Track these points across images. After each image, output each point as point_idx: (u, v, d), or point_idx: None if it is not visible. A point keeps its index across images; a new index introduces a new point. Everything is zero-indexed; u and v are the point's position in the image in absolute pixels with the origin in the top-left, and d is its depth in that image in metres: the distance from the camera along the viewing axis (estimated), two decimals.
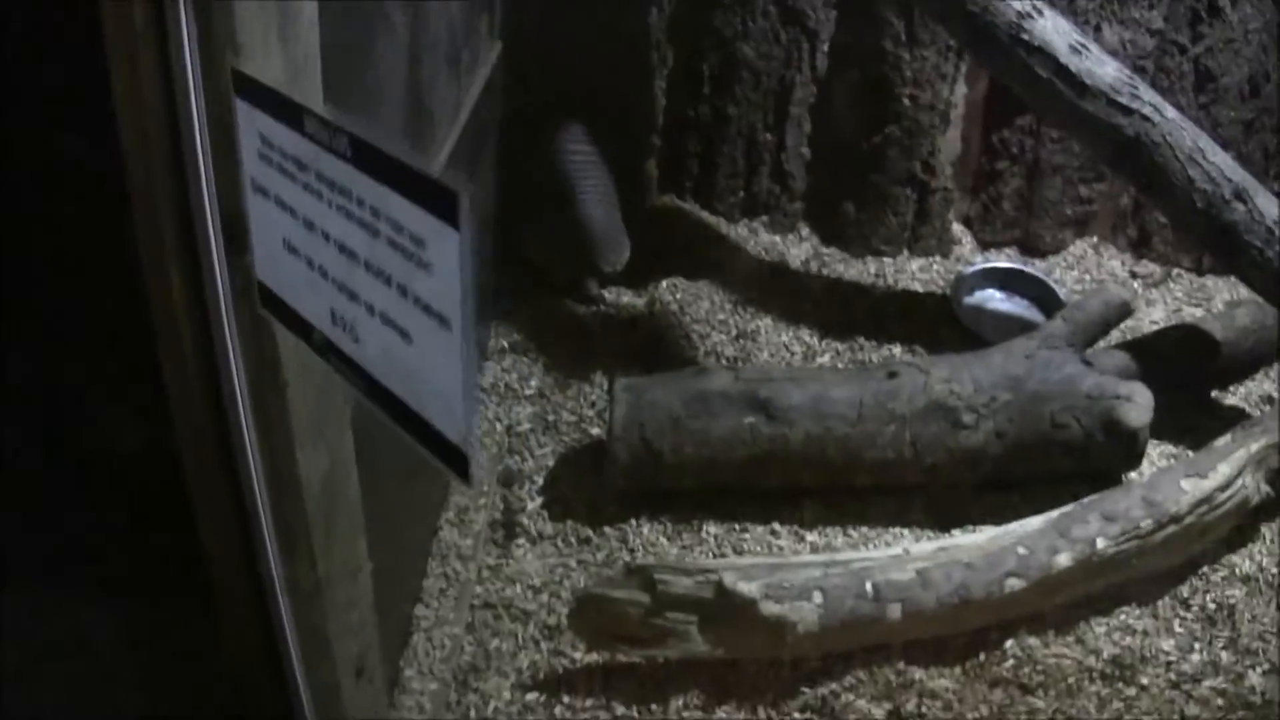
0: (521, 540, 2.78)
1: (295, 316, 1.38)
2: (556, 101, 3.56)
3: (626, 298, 3.56)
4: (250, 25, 1.34)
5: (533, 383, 3.22)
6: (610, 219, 3.50)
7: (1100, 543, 2.58)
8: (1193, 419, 3.20)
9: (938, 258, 3.85)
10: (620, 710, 2.41)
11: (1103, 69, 2.89)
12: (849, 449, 2.82)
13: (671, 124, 3.83)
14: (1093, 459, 2.92)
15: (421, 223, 1.10)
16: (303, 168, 1.24)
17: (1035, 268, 3.80)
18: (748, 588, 2.36)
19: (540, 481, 2.95)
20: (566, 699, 2.42)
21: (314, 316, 1.34)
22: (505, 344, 3.37)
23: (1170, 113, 2.93)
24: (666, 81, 3.77)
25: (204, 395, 1.61)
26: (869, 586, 2.43)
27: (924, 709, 2.44)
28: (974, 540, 2.59)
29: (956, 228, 3.94)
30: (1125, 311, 3.18)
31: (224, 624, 1.82)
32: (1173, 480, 2.74)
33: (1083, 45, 2.90)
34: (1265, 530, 2.94)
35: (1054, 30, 2.89)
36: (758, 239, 3.84)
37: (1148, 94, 2.93)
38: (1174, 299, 3.79)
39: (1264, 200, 2.95)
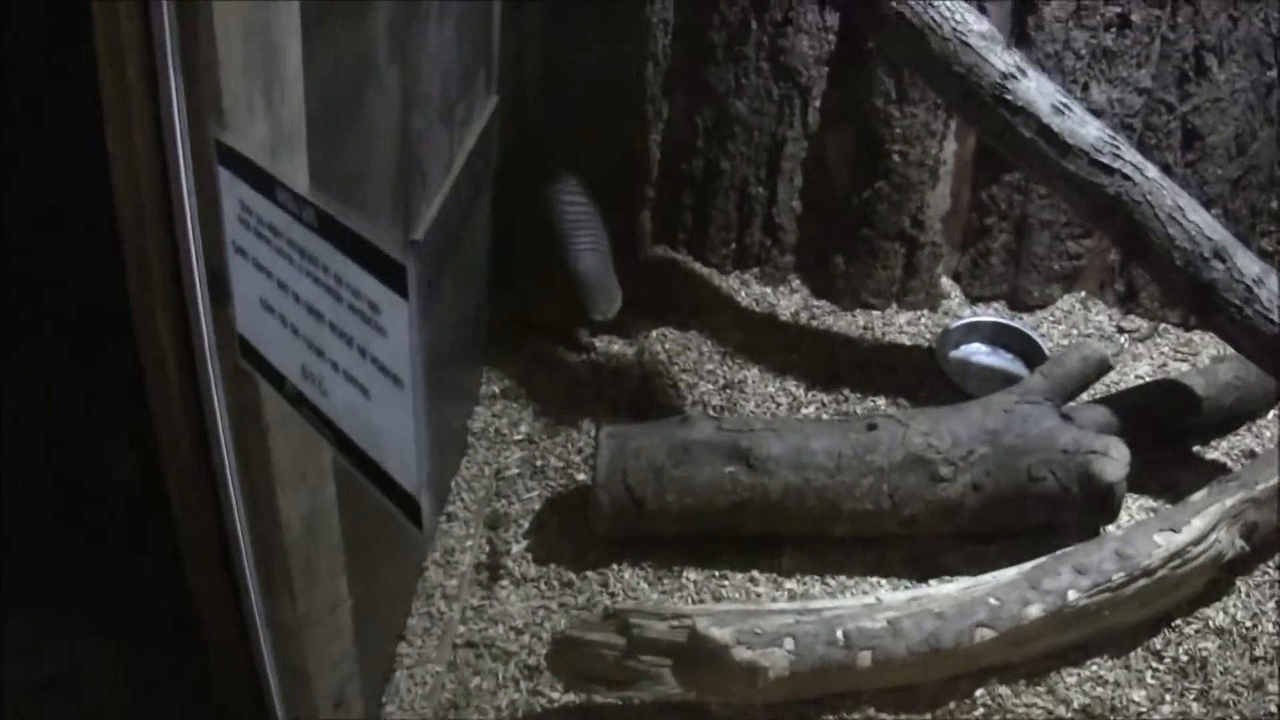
0: (505, 582, 2.85)
1: (271, 369, 1.48)
2: (552, 153, 3.64)
3: (617, 346, 3.63)
4: (235, 90, 1.44)
5: (522, 428, 3.29)
6: (603, 269, 3.57)
7: (1071, 595, 2.65)
8: (1173, 474, 3.25)
9: (926, 311, 3.92)
10: None
11: (1085, 129, 2.97)
12: (828, 499, 2.90)
13: (666, 177, 3.90)
14: (1069, 512, 2.98)
15: (376, 291, 1.21)
16: (276, 234, 1.35)
17: (1021, 322, 3.87)
18: (720, 633, 2.43)
19: (526, 525, 3.02)
20: None
21: (287, 370, 1.44)
22: (496, 389, 3.45)
23: (1151, 172, 3.01)
24: (661, 135, 3.85)
25: (190, 438, 1.70)
26: (840, 634, 2.50)
27: None
28: (946, 590, 2.66)
29: (945, 282, 4.01)
30: (1104, 367, 3.26)
31: (208, 658, 1.90)
32: (1146, 534, 2.81)
33: (1066, 105, 2.97)
34: (1239, 584, 3.01)
35: (1038, 91, 2.96)
36: (749, 290, 3.91)
37: (1129, 154, 3.00)
38: (1160, 354, 3.85)
39: (1243, 259, 3.03)
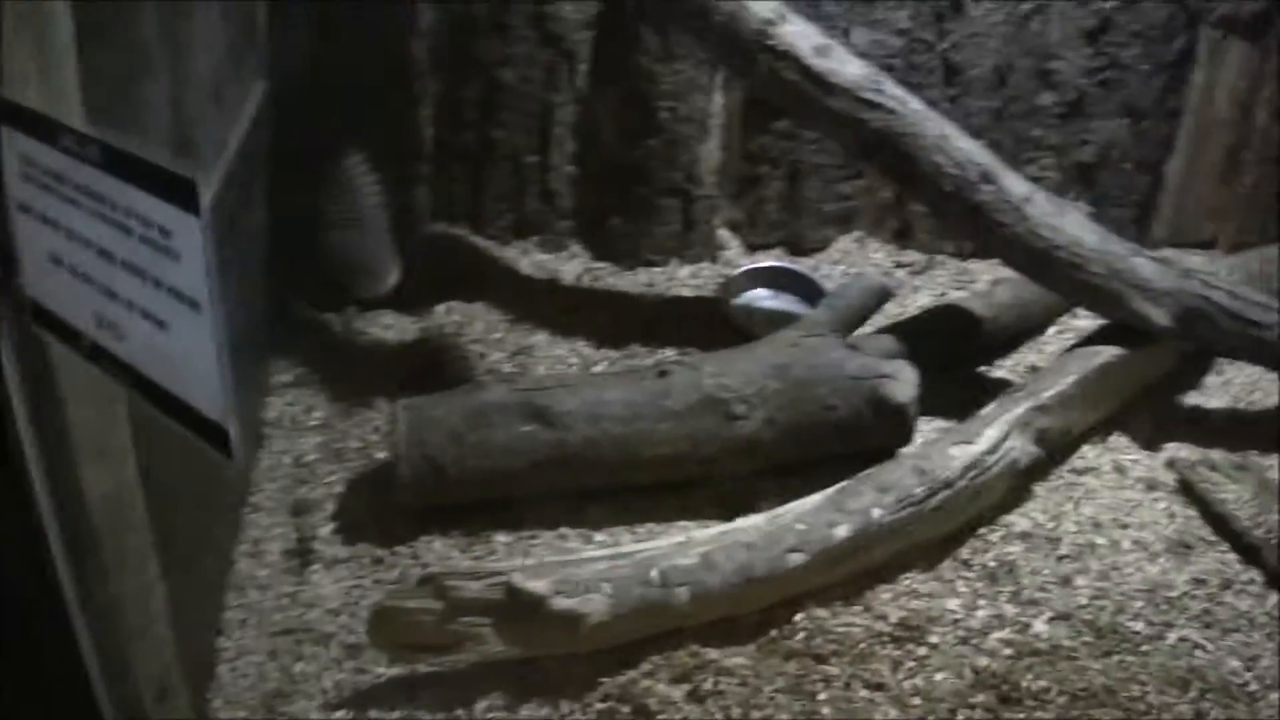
0: (317, 566, 2.83)
1: (65, 327, 1.46)
2: (324, 134, 3.62)
3: (405, 323, 3.63)
4: (9, 53, 1.42)
5: (317, 413, 3.27)
6: (372, 246, 3.59)
7: (876, 512, 2.71)
8: (962, 394, 3.34)
9: (706, 263, 3.99)
10: (427, 718, 2.47)
11: (847, 68, 3.04)
12: (627, 448, 2.93)
13: (440, 152, 3.90)
14: (865, 438, 3.06)
15: (165, 214, 1.20)
16: (61, 180, 1.34)
17: (802, 265, 3.95)
18: (536, 585, 2.44)
19: (331, 508, 3.01)
20: (374, 713, 2.47)
21: (81, 323, 1.43)
22: (287, 378, 3.43)
23: (915, 104, 3.09)
24: (433, 110, 3.85)
25: None
26: (655, 574, 2.53)
27: (722, 686, 2.53)
28: (753, 522, 2.70)
29: (723, 233, 4.08)
30: (884, 295, 3.35)
31: (22, 646, 1.86)
32: (941, 449, 2.90)
33: (827, 47, 3.04)
34: (1037, 489, 3.13)
35: (799, 34, 3.03)
36: (530, 259, 3.94)
37: (892, 89, 3.09)
38: (938, 284, 3.96)
39: (1010, 180, 3.13)
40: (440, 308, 3.65)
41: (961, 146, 3.11)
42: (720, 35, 3.04)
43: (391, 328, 3.59)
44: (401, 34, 3.72)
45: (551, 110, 3.82)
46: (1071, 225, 3.19)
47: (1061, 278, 3.24)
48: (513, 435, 2.89)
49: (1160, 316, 3.19)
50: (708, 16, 3.02)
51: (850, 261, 4.04)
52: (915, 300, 3.84)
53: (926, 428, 3.22)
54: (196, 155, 2.50)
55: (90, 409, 1.70)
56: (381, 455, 3.10)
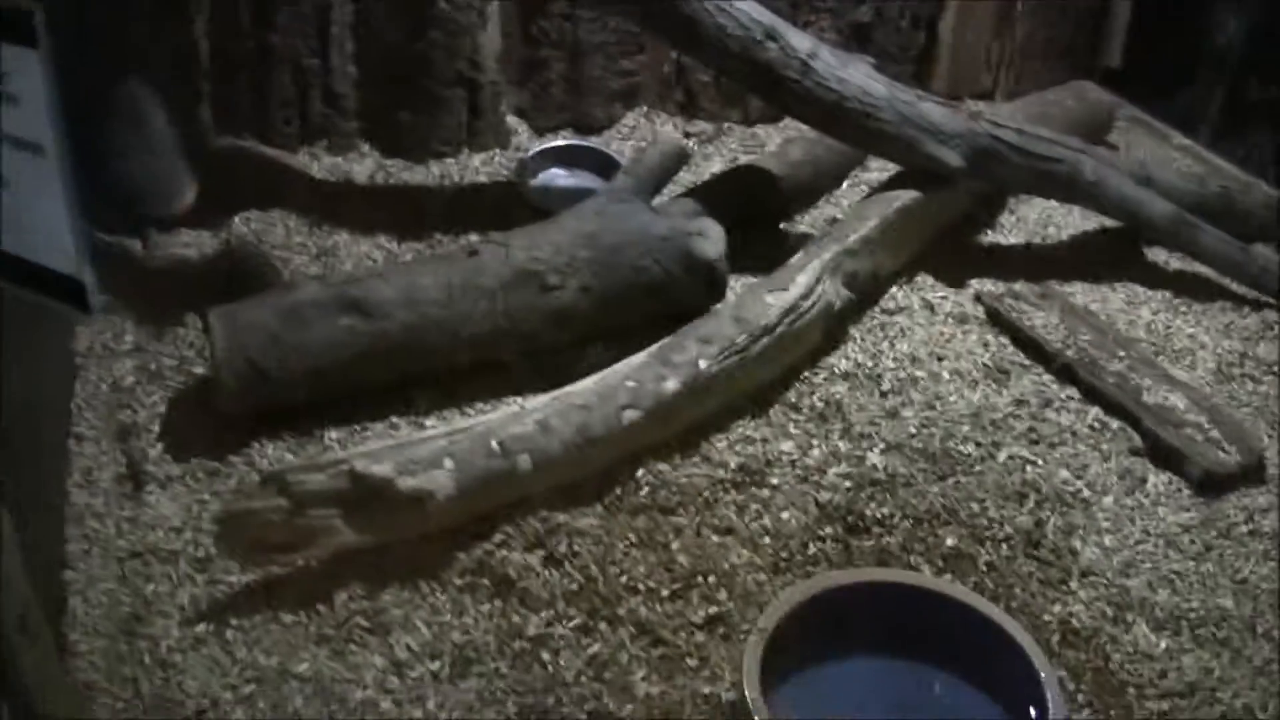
0: (151, 487, 2.76)
1: None
2: (99, 57, 3.49)
3: (203, 239, 3.54)
4: None
5: (128, 338, 3.16)
6: (162, 167, 3.53)
7: (702, 363, 2.75)
8: (768, 251, 3.38)
9: (497, 150, 3.96)
10: (289, 619, 2.44)
11: None
12: (446, 331, 2.90)
13: (218, 64, 3.79)
14: (678, 297, 3.08)
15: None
16: None
17: (593, 141, 3.95)
18: (380, 469, 2.43)
19: (157, 429, 2.93)
20: (235, 622, 2.44)
21: None
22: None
23: None
24: (207, 23, 3.73)
25: None
26: (495, 444, 2.53)
27: (576, 547, 2.56)
28: (584, 385, 2.71)
29: (511, 119, 4.05)
30: (683, 155, 3.36)
31: None
32: (757, 297, 2.94)
33: None
34: (853, 331, 3.21)
35: None
36: (320, 163, 3.87)
37: None
38: (730, 151, 4.00)
39: (795, 37, 3.17)
40: (236, 219, 3.55)
41: (742, 7, 3.14)
42: None
43: (190, 245, 3.49)
44: None
45: (328, 10, 3.74)
46: (858, 76, 3.25)
47: (853, 128, 3.30)
48: (332, 330, 2.84)
49: (953, 158, 3.27)
50: None
51: (639, 135, 4.05)
52: (708, 168, 3.87)
53: (737, 285, 3.24)
54: None
55: None
56: (199, 370, 3.03)
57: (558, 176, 3.84)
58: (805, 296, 2.95)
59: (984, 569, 2.59)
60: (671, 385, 2.70)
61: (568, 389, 2.71)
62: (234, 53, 3.79)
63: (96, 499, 2.75)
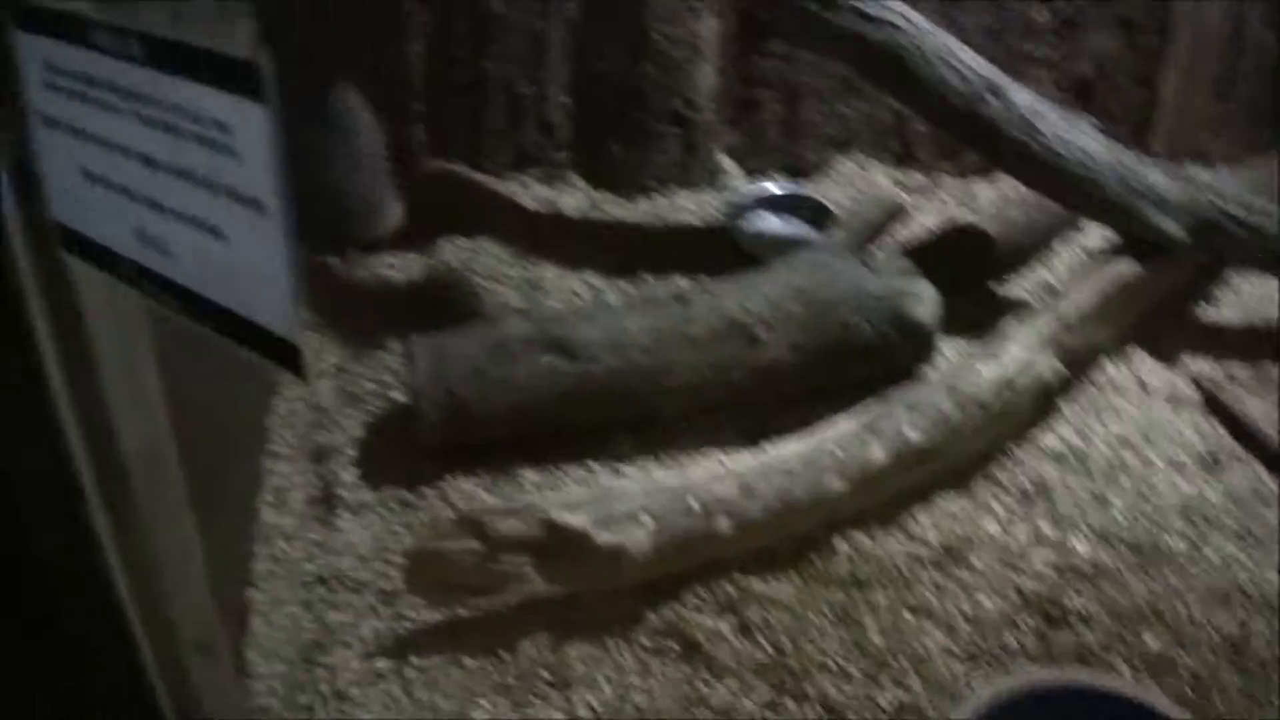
0: (343, 512, 2.74)
1: (101, 250, 1.34)
2: (314, 75, 3.51)
3: (409, 261, 3.53)
4: None
5: (329, 358, 3.16)
6: (371, 186, 3.53)
7: (910, 434, 2.64)
8: (977, 314, 3.27)
9: (708, 189, 3.90)
10: (470, 663, 2.39)
11: None
12: (651, 378, 2.84)
13: (432, 86, 3.79)
14: (887, 359, 2.99)
15: (224, 107, 1.08)
16: (93, 84, 1.20)
17: (806, 188, 3.85)
18: (576, 519, 2.36)
19: (353, 453, 2.91)
20: (415, 660, 2.39)
21: (121, 243, 1.30)
22: None
23: (917, 18, 2.99)
24: (424, 45, 3.73)
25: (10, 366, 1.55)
26: (695, 503, 2.45)
27: (768, 617, 2.47)
28: (790, 448, 2.62)
29: (722, 158, 3.98)
30: (897, 210, 3.27)
31: (60, 609, 1.76)
32: (969, 367, 2.83)
33: None
34: (1063, 407, 3.06)
35: None
36: (530, 191, 3.84)
37: (893, 3, 2.98)
38: (942, 203, 3.89)
39: (1017, 93, 3.04)
40: (443, 244, 3.54)
41: (966, 59, 3.02)
42: None
43: (395, 267, 3.48)
44: None
45: (544, 39, 3.71)
46: (1080, 138, 3.11)
47: (1073, 192, 3.16)
48: (536, 368, 2.79)
49: (1174, 229, 3.13)
50: None
51: (851, 183, 3.95)
52: (920, 221, 3.75)
53: (946, 348, 3.16)
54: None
55: (119, 352, 1.58)
56: (398, 396, 3.01)
57: (769, 221, 3.75)
58: (1019, 370, 2.83)
59: (1186, 676, 2.44)
60: (878, 455, 2.60)
61: (772, 451, 2.62)
62: (449, 76, 3.78)
63: (287, 519, 2.73)
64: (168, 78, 1.12)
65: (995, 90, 3.01)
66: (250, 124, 1.05)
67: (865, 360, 2.97)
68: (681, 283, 3.41)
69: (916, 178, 4.01)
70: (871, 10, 2.93)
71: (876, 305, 2.94)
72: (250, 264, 1.14)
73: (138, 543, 1.73)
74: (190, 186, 1.15)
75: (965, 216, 3.69)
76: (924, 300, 2.95)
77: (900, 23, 2.96)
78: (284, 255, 1.09)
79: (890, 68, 3.00)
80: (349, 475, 2.84)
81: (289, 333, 1.14)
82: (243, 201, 1.11)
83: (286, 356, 1.16)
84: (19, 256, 1.41)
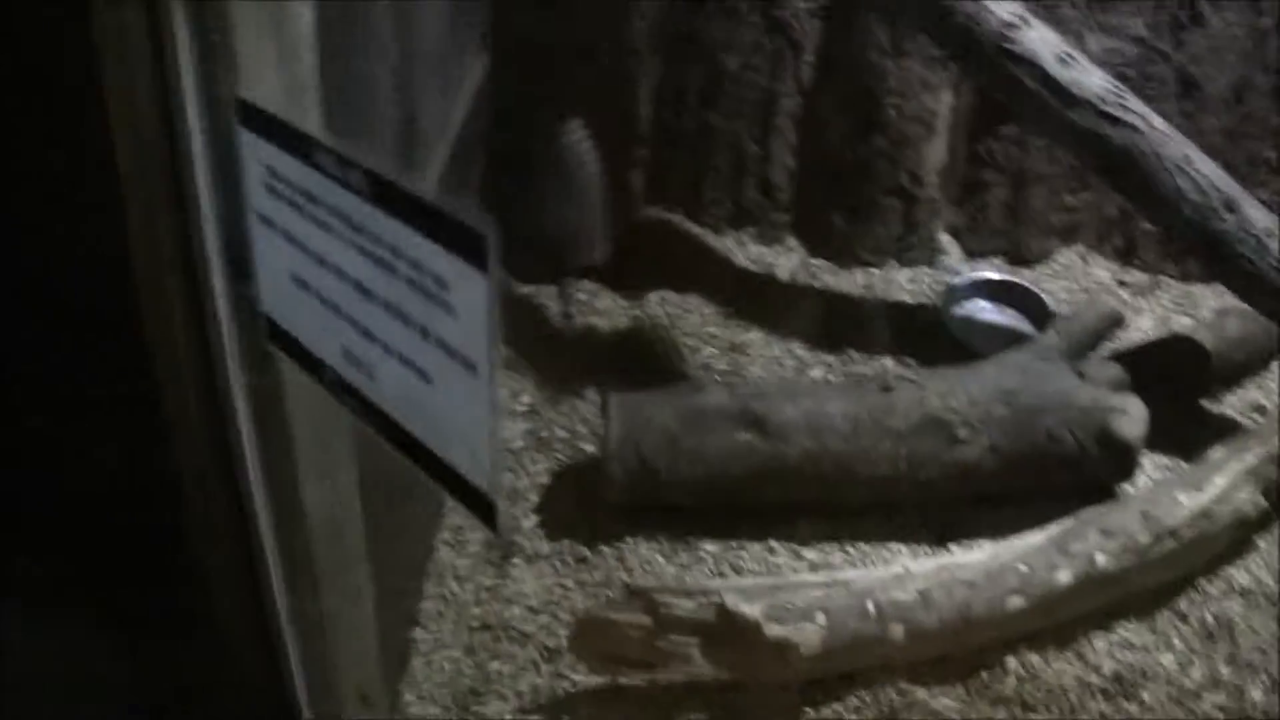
0: (518, 560, 2.73)
1: (306, 353, 1.32)
2: (542, 109, 3.53)
3: (618, 306, 3.54)
4: (248, 42, 1.29)
5: (524, 398, 3.17)
6: (586, 219, 3.55)
7: (1099, 558, 2.56)
8: (1185, 429, 3.17)
9: (925, 267, 3.82)
10: None
11: (1090, 79, 2.86)
12: (845, 465, 2.79)
13: (657, 135, 3.79)
14: (1087, 471, 2.90)
15: (444, 264, 1.05)
16: (313, 200, 1.19)
17: (1023, 277, 3.77)
18: (750, 609, 2.33)
19: (536, 499, 2.91)
20: None
21: (326, 353, 1.28)
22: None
23: (1158, 123, 2.91)
24: (652, 93, 3.73)
25: (206, 427, 1.56)
26: (871, 607, 2.40)
27: None
28: (975, 559, 2.56)
29: (943, 237, 3.91)
30: (1117, 322, 3.16)
31: (228, 656, 1.77)
32: (1169, 494, 2.73)
33: (1070, 56, 2.87)
34: (1261, 543, 2.93)
35: (1041, 41, 2.85)
36: (745, 250, 3.80)
37: (1135, 104, 2.90)
38: (1161, 307, 3.77)
39: (1253, 210, 2.93)
40: (654, 296, 3.53)
41: (1204, 170, 2.92)
42: (960, 37, 2.86)
43: (603, 313, 3.47)
44: (623, 12, 3.58)
45: (775, 100, 3.67)
46: None
47: None
48: (730, 442, 2.77)
49: None
50: (948, 16, 2.84)
51: (1071, 276, 3.84)
52: (1137, 323, 3.64)
53: (1146, 463, 3.05)
54: (424, 138, 2.41)
55: (316, 423, 1.58)
56: (588, 447, 3.01)
57: (982, 310, 3.67)
58: (1219, 501, 2.72)
59: None
60: (1064, 577, 2.52)
61: (956, 559, 2.57)
62: (675, 125, 3.77)
63: (461, 560, 2.74)
64: (389, 218, 1.10)
65: (1231, 205, 2.91)
66: (470, 288, 1.03)
67: (1064, 470, 2.89)
68: (887, 363, 3.36)
69: (1138, 276, 3.89)
70: (1113, 110, 2.85)
71: (1083, 417, 2.85)
72: (454, 414, 1.11)
73: (310, 601, 1.73)
74: (401, 325, 1.13)
75: (1183, 324, 3.60)
76: (1132, 417, 2.86)
77: (1141, 125, 2.87)
78: (489, 416, 1.07)
79: (1125, 170, 2.91)
80: (529, 522, 2.84)
81: (487, 487, 1.12)
82: (453, 356, 1.08)
83: (481, 508, 1.14)
84: (225, 334, 1.41)
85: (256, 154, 1.25)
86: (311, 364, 1.32)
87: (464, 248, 1.02)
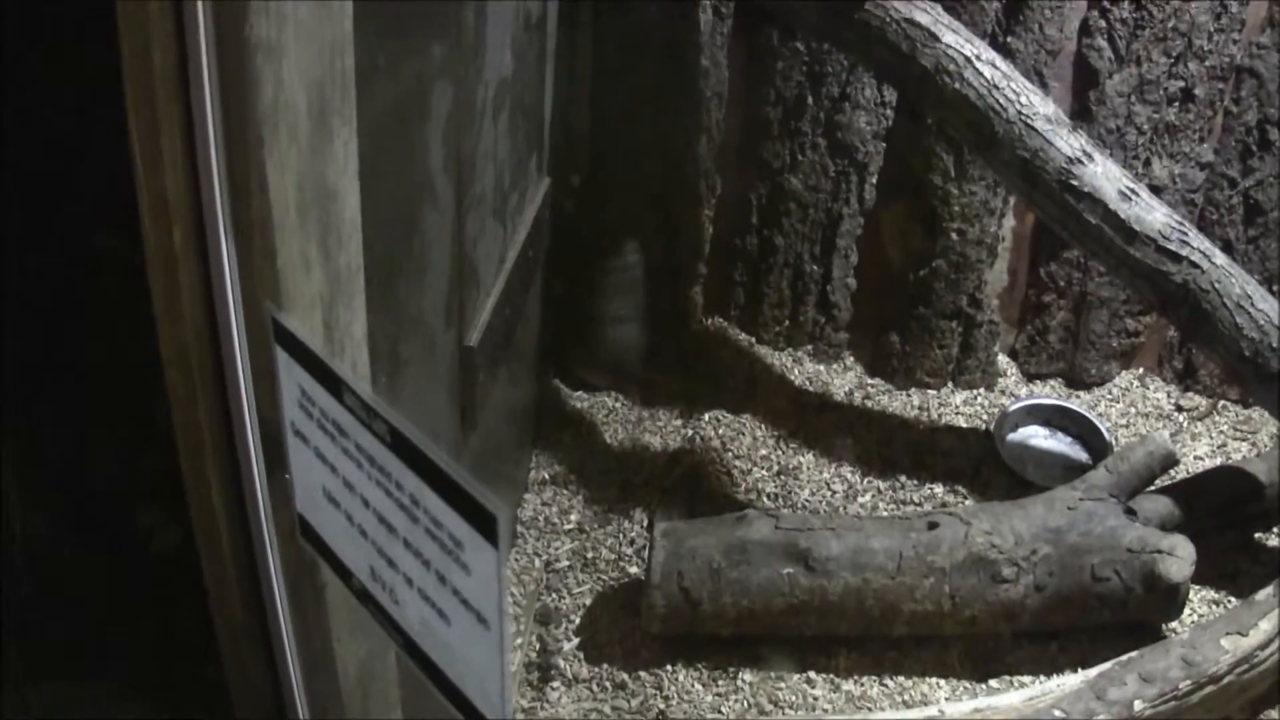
0: (556, 682, 2.75)
1: (335, 558, 1.36)
2: (605, 228, 3.57)
3: (671, 423, 3.57)
4: (290, 247, 1.33)
5: (573, 516, 3.20)
6: (637, 335, 3.65)
7: (1137, 705, 2.54)
8: (1235, 563, 3.16)
9: (982, 390, 3.82)
10: None
11: (1152, 215, 2.87)
12: (887, 600, 2.79)
13: (719, 251, 3.83)
14: (1132, 611, 2.88)
15: (459, 527, 1.07)
16: (342, 433, 1.22)
17: (1080, 401, 3.76)
18: None
19: (577, 621, 2.92)
20: None
21: (354, 566, 1.32)
22: (546, 475, 3.35)
23: (1219, 259, 2.91)
24: (714, 210, 3.78)
25: (241, 594, 1.60)
26: None
27: None
28: (1010, 701, 2.54)
29: (1002, 360, 3.91)
30: (1170, 462, 3.14)
31: None
32: (1213, 639, 2.70)
33: (1133, 191, 2.87)
34: None
35: (1104, 176, 2.86)
36: (802, 368, 3.82)
37: (1197, 240, 2.91)
38: (1219, 432, 3.74)
39: None
40: (708, 415, 3.55)
41: (1264, 309, 2.91)
42: (1023, 169, 2.88)
43: (656, 432, 3.49)
44: (689, 131, 3.63)
45: (837, 220, 3.69)
46: None
47: None
48: (773, 575, 2.77)
49: None
50: (1012, 149, 2.86)
51: (1130, 400, 3.83)
52: (1194, 448, 3.62)
53: (1195, 597, 3.04)
54: (475, 278, 2.44)
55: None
56: (634, 570, 3.03)
57: (1037, 436, 3.67)
58: (1264, 645, 2.69)
59: None
60: None
61: (991, 702, 2.55)
62: (736, 244, 3.81)
63: None
64: (410, 472, 1.13)
65: None
66: (482, 556, 1.06)
67: (1109, 610, 2.87)
68: (937, 490, 3.35)
69: (1197, 400, 3.87)
70: (1174, 247, 2.86)
71: (1130, 559, 2.84)
72: (468, 653, 1.14)
73: None
74: (422, 566, 1.16)
75: (1241, 450, 3.59)
76: (1181, 559, 2.83)
77: (1201, 262, 2.88)
78: (499, 666, 1.09)
79: (1185, 307, 2.91)
80: (569, 644, 2.85)
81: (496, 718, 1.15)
82: (468, 608, 1.11)
83: None
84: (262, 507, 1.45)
85: (291, 373, 1.28)
86: (340, 570, 1.34)
87: (476, 522, 1.05)
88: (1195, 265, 2.88)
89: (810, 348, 3.89)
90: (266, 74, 1.21)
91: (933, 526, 2.86)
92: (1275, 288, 3.15)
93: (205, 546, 1.56)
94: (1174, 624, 2.95)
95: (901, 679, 2.83)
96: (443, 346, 2.26)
